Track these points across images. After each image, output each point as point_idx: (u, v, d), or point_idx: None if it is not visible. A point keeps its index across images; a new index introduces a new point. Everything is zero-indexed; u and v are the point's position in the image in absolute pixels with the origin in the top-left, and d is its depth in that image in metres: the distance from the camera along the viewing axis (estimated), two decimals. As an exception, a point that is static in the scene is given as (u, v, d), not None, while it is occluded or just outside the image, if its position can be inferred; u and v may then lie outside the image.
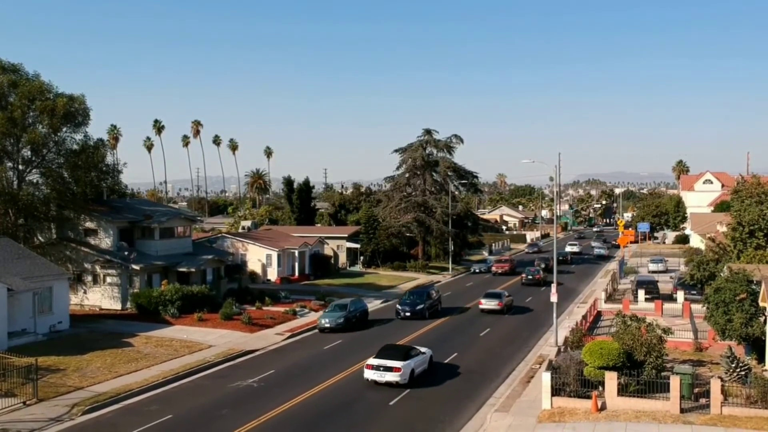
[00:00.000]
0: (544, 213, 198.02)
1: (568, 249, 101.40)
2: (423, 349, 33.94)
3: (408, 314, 48.15)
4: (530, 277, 66.93)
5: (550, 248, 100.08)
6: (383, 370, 30.71)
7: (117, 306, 48.54)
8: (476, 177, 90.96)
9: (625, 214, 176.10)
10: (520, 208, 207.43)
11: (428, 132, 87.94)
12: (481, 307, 50.87)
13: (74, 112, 48.65)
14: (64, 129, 48.99)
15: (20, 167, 48.43)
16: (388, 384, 30.56)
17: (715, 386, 25.57)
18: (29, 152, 48.50)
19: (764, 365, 30.80)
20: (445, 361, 35.67)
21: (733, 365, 28.02)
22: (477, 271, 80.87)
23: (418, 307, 48.44)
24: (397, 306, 49.40)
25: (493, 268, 78.17)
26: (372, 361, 31.41)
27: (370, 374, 31.09)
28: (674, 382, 25.88)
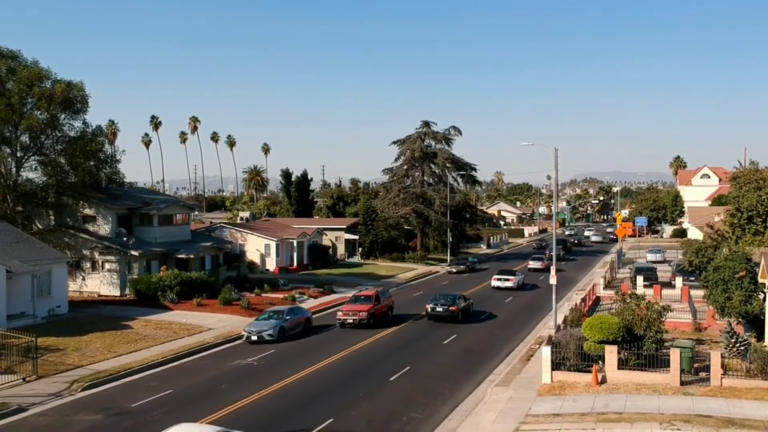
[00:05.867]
0: (542, 209, 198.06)
1: (586, 233, 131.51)
2: (520, 272, 59.37)
3: None
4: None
5: (484, 265, 77.84)
6: (504, 280, 56.11)
7: (116, 292, 48.49)
8: (474, 169, 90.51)
9: (623, 211, 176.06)
10: (518, 204, 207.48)
11: (426, 124, 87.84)
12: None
13: (73, 99, 48.45)
14: (63, 115, 48.81)
15: (18, 154, 48.28)
16: (507, 288, 55.16)
17: (716, 358, 25.64)
18: (27, 139, 48.32)
19: (764, 342, 30.81)
20: None
21: (733, 340, 28.03)
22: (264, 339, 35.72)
23: None
24: None
25: (340, 315, 39.88)
26: (497, 275, 57.46)
27: (496, 283, 56.27)
28: (674, 354, 25.93)
